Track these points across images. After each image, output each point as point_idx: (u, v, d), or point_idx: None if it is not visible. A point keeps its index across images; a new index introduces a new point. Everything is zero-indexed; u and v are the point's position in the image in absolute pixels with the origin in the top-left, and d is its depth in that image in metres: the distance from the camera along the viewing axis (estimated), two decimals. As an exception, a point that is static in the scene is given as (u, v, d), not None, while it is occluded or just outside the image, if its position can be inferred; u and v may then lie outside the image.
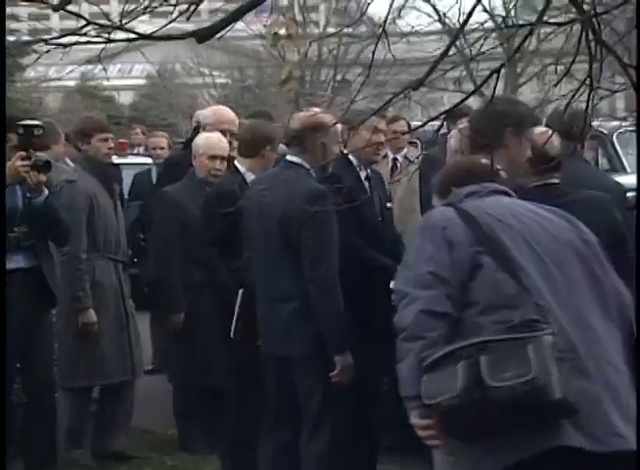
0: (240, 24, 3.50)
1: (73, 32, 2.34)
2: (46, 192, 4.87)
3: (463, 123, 4.00)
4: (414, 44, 26.07)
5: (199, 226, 4.99)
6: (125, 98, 31.36)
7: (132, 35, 2.34)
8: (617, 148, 7.21)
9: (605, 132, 7.32)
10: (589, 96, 3.04)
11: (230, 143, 5.60)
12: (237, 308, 4.58)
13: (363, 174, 4.83)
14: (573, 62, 3.06)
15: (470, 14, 3.16)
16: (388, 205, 5.01)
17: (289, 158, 4.37)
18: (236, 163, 5.00)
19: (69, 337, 5.31)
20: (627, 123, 7.35)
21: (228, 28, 2.48)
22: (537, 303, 2.64)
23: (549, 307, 2.66)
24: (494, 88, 2.98)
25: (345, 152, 4.89)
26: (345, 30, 25.60)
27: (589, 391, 2.62)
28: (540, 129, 3.83)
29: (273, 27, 2.86)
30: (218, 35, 2.57)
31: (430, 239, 2.80)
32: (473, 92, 3.00)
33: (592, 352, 2.69)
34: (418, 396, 2.61)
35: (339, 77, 25.83)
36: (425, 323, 2.67)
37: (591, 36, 2.95)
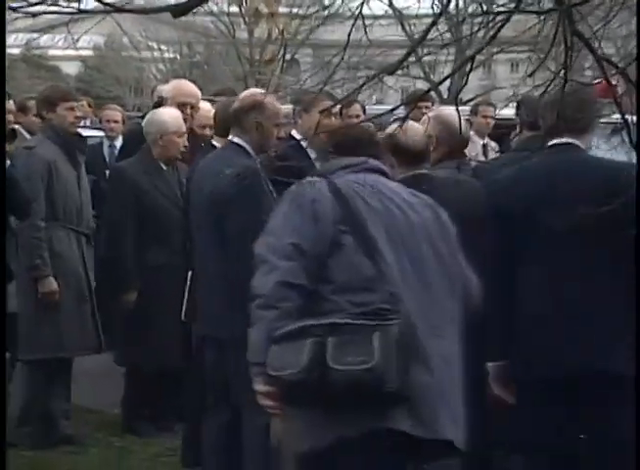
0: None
1: (43, 1, 2.24)
2: (8, 163, 4.74)
3: (430, 109, 4.02)
4: (362, 28, 26.19)
5: (157, 206, 4.87)
6: (71, 68, 30.85)
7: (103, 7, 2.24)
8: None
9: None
10: (563, 87, 3.01)
11: (192, 116, 5.53)
12: (186, 290, 4.50)
13: (313, 155, 4.77)
14: (549, 52, 3.02)
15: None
16: None
17: (230, 138, 4.35)
18: (214, 142, 4.94)
19: (30, 308, 5.15)
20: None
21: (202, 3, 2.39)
22: (391, 290, 2.76)
23: (400, 296, 2.77)
24: (468, 74, 2.93)
25: (293, 134, 4.87)
26: (296, 11, 25.61)
27: (425, 382, 2.77)
28: (415, 125, 3.99)
29: (254, 4, 2.76)
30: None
31: (297, 210, 2.88)
32: (446, 77, 2.95)
33: (433, 342, 2.84)
34: (264, 363, 2.74)
35: (287, 57, 25.64)
36: (280, 294, 2.77)
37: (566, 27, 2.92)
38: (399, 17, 23.77)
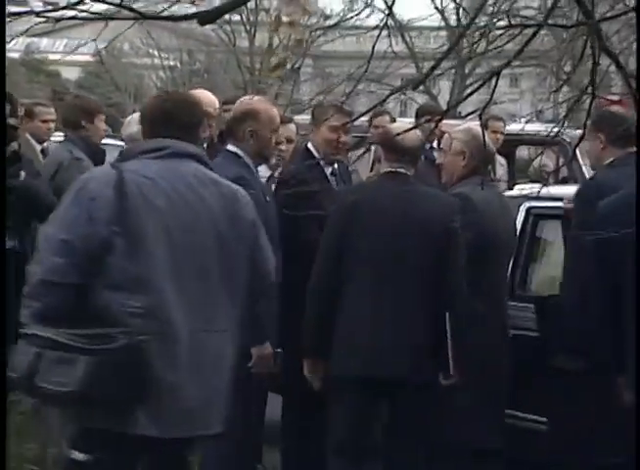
0: (193, 7, 3.39)
1: (66, 6, 2.18)
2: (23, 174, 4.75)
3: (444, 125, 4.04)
4: (362, 40, 26.28)
5: None
6: (71, 74, 30.78)
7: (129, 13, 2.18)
8: (579, 157, 7.18)
9: (567, 140, 7.28)
10: (590, 103, 2.96)
11: (210, 126, 5.46)
12: None
13: (328, 170, 4.73)
14: (576, 67, 2.97)
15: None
16: None
17: (227, 146, 4.32)
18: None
19: None
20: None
21: (232, 11, 2.33)
22: (153, 296, 2.83)
23: (162, 302, 2.84)
24: (493, 89, 2.86)
25: (309, 146, 4.83)
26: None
27: (170, 382, 2.85)
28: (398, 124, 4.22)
29: (281, 11, 2.73)
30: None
31: (76, 206, 2.91)
32: (472, 92, 2.88)
33: (202, 336, 2.92)
34: None
35: (288, 66, 25.61)
36: (41, 290, 2.86)
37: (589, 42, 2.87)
38: (400, 28, 23.77)
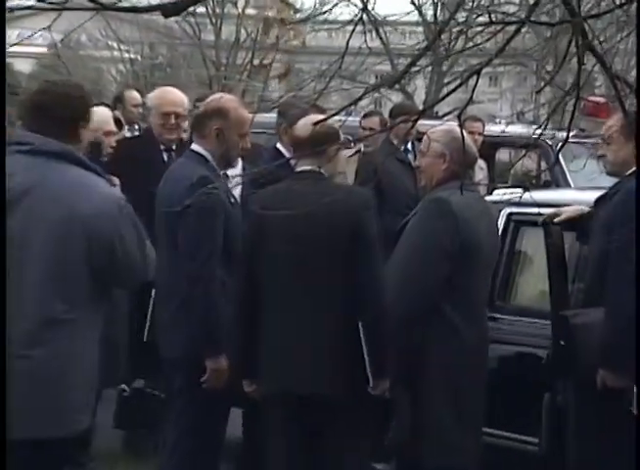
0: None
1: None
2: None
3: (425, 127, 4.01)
4: (333, 35, 26.30)
5: None
6: (23, 66, 30.56)
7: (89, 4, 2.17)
8: (561, 161, 7.22)
9: (549, 143, 7.32)
10: (575, 105, 2.97)
11: (179, 125, 5.45)
12: (150, 309, 4.46)
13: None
14: (560, 67, 2.99)
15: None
16: None
17: (192, 146, 4.32)
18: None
19: None
20: (574, 133, 7.32)
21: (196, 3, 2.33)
22: None
23: None
24: (473, 89, 2.87)
25: (278, 147, 4.83)
26: (267, 14, 25.57)
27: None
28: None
29: (264, 10, 2.73)
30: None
31: None
32: (450, 92, 2.89)
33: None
34: None
35: (256, 62, 25.59)
36: None
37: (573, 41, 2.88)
38: (375, 23, 23.82)
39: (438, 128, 4.43)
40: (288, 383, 3.94)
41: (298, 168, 4.08)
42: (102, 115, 5.35)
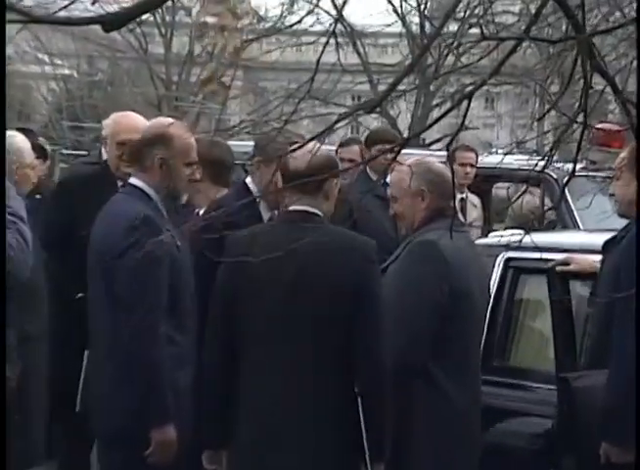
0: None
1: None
2: None
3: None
4: (304, 49, 26.43)
5: None
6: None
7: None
8: (568, 197, 7.26)
9: (554, 176, 7.36)
10: (582, 133, 3.01)
11: None
12: (82, 374, 4.47)
13: (267, 215, 4.78)
14: (565, 89, 3.03)
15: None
16: None
17: (130, 179, 4.36)
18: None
19: None
20: (581, 166, 7.37)
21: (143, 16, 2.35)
22: None
23: None
24: (464, 115, 2.91)
25: (247, 183, 4.86)
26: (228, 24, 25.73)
27: None
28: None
29: (202, 16, 2.75)
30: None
31: None
32: (441, 116, 2.92)
33: None
34: None
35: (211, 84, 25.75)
36: None
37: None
38: (351, 35, 24.04)
39: (406, 163, 4.43)
40: (268, 464, 3.89)
41: (290, 208, 4.04)
42: (17, 145, 5.36)
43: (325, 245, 3.88)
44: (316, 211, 4.01)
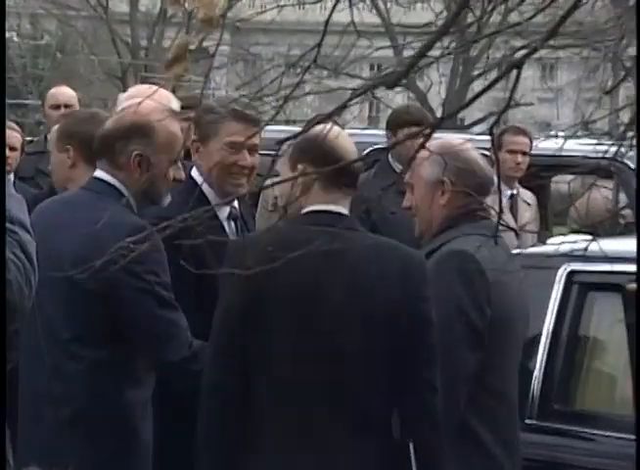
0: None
1: None
2: None
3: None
4: (310, 7, 26.53)
5: None
6: None
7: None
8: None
9: (630, 166, 7.40)
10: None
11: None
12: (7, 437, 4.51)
13: (224, 213, 4.84)
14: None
15: None
16: None
17: (97, 173, 4.41)
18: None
19: None
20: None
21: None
22: None
23: None
24: (513, 87, 2.94)
25: (192, 174, 4.90)
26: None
27: None
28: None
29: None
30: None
31: None
32: (484, 90, 2.94)
33: None
34: None
35: (192, 45, 25.83)
36: None
37: None
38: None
39: (430, 144, 4.41)
40: None
41: (307, 209, 4.00)
42: None
43: (367, 255, 3.91)
44: (342, 209, 4.00)
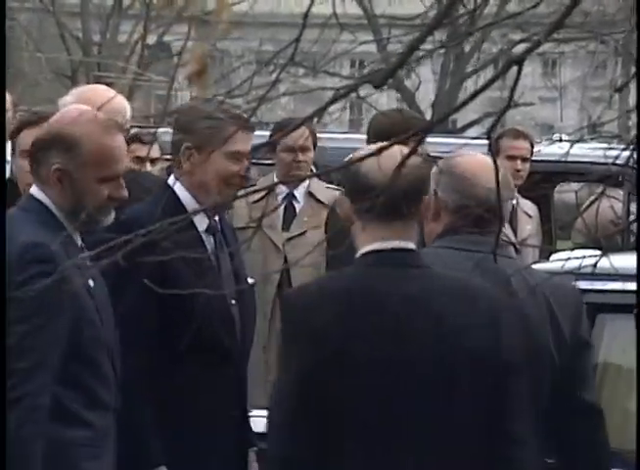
0: None
1: None
2: None
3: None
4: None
5: None
6: None
7: None
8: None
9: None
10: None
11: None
12: None
13: (203, 225, 4.87)
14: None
15: None
16: (250, 279, 5.21)
17: (32, 189, 4.44)
18: None
19: None
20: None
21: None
22: None
23: None
24: (513, 86, 2.98)
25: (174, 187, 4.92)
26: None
27: None
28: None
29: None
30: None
31: None
32: (480, 90, 2.97)
33: None
34: None
35: (152, 40, 25.87)
36: None
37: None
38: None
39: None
40: None
41: (367, 248, 4.03)
42: None
43: (457, 296, 4.02)
44: (411, 245, 4.04)
